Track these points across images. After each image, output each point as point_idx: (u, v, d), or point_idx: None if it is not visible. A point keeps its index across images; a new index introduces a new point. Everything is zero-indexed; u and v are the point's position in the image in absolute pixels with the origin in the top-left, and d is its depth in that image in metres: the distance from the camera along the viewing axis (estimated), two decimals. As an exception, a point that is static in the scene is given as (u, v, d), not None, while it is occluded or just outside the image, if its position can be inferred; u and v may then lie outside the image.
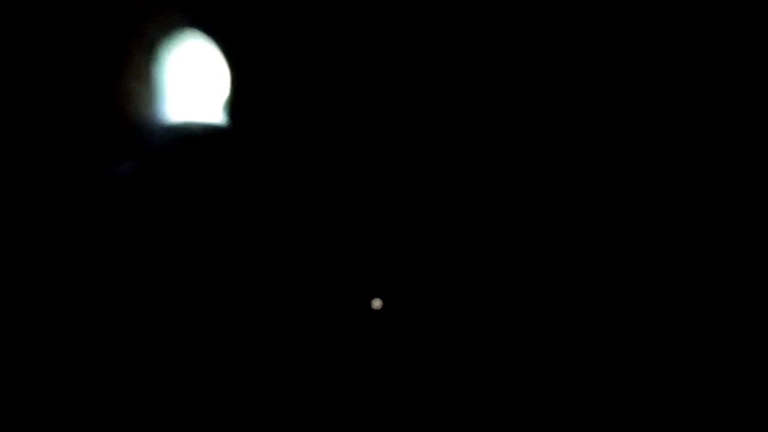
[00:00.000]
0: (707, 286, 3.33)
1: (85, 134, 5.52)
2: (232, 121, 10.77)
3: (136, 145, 7.29)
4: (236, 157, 8.02)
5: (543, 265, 4.28)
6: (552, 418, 3.82)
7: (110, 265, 4.26)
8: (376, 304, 4.77)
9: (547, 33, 3.79)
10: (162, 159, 7.11)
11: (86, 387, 3.26)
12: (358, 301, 4.75)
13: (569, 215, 3.96)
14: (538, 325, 4.33)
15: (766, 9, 2.92)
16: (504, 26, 4.18)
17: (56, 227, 4.50)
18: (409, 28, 5.48)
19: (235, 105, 11.30)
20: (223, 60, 11.40)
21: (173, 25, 8.17)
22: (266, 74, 9.10)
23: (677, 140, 3.35)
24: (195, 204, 6.03)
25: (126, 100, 6.80)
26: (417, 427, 3.62)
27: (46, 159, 4.74)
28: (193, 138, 8.65)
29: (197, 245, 4.84)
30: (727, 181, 3.23)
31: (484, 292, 4.83)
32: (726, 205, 3.20)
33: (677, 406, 3.44)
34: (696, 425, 3.31)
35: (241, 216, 6.01)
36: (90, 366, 3.38)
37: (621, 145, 3.62)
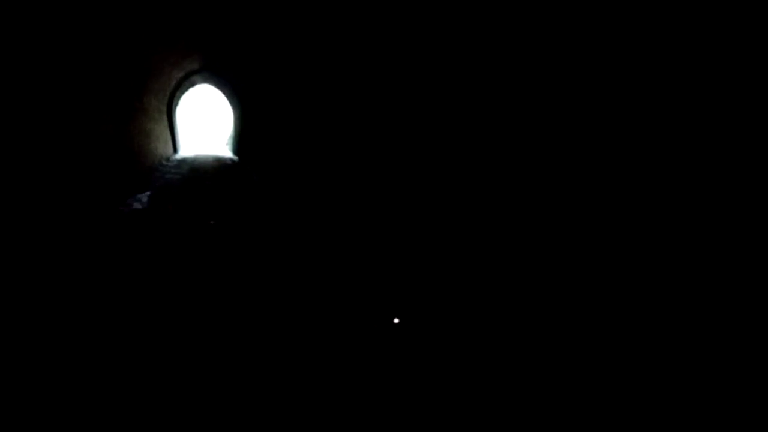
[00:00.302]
0: (707, 286, 3.09)
1: (105, 171, 6.13)
2: (237, 155, 11.51)
3: (151, 179, 7.91)
4: (243, 187, 8.58)
5: (542, 265, 4.13)
6: (552, 418, 3.64)
7: (127, 290, 4.66)
8: (395, 321, 4.77)
9: (547, 33, 3.62)
10: (175, 192, 7.67)
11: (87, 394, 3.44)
12: (360, 316, 4.86)
13: (569, 215, 3.79)
14: (537, 324, 4.17)
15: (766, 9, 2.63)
16: (498, 26, 4.04)
17: (78, 256, 4.99)
18: (399, 66, 5.73)
19: (240, 140, 12.06)
20: (228, 100, 12.29)
21: (187, 70, 9.01)
22: (268, 112, 9.86)
23: (677, 140, 3.13)
24: (204, 232, 6.54)
25: (142, 139, 7.50)
26: (416, 427, 3.50)
27: (68, 193, 5.29)
28: (202, 171, 9.28)
29: (208, 269, 5.24)
30: (727, 181, 2.93)
31: (484, 292, 4.72)
32: (726, 204, 2.95)
33: (677, 405, 3.19)
34: (696, 425, 3.04)
35: (248, 242, 6.47)
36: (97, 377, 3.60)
37: (621, 145, 3.43)
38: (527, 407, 3.79)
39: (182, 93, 10.49)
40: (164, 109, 9.24)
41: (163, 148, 9.67)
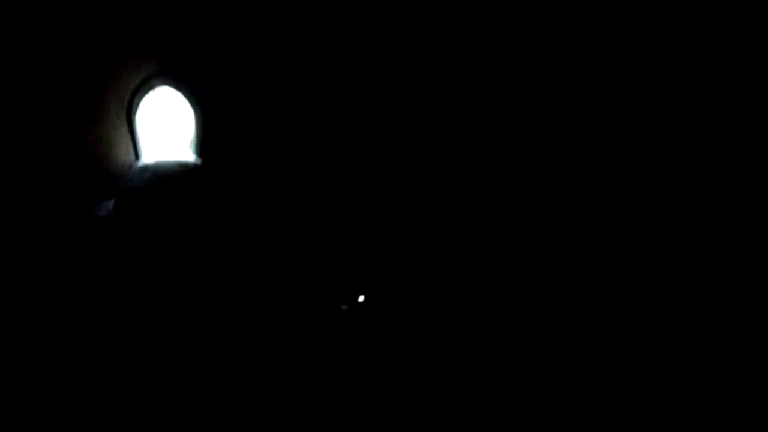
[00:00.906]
0: (706, 286, 3.05)
1: (67, 179, 6.05)
2: (199, 158, 11.45)
3: (114, 186, 7.80)
4: (206, 190, 8.56)
5: (541, 265, 4.05)
6: (551, 418, 3.61)
7: (94, 299, 4.67)
8: (360, 299, 4.71)
9: (546, 33, 3.53)
10: (138, 198, 7.60)
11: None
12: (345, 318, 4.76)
13: (568, 215, 3.73)
14: (536, 324, 4.08)
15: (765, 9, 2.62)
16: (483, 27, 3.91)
17: (42, 264, 4.96)
18: (369, 69, 5.88)
19: (202, 143, 11.97)
20: (189, 103, 12.16)
21: (144, 75, 8.89)
22: (229, 115, 9.87)
23: (676, 140, 3.09)
24: (171, 238, 6.55)
25: (104, 147, 7.39)
26: (416, 427, 3.50)
27: (31, 203, 5.23)
28: (165, 176, 9.19)
29: (176, 275, 5.29)
30: (727, 181, 2.91)
31: (482, 291, 4.60)
32: (725, 204, 2.93)
33: (677, 405, 3.17)
34: (696, 425, 3.02)
35: (215, 245, 6.52)
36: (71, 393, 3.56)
37: (620, 146, 3.39)
38: (525, 406, 3.70)
39: (141, 98, 10.30)
40: (124, 115, 9.08)
41: (124, 155, 9.50)
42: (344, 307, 4.71)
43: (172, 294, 4.79)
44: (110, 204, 6.88)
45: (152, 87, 11.52)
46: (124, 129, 9.68)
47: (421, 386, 3.84)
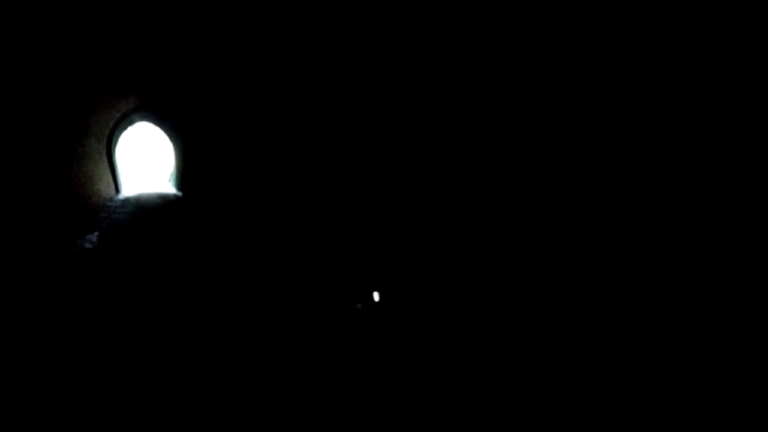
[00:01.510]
0: (706, 286, 3.06)
1: (54, 214, 6.21)
2: (181, 189, 11.65)
3: (98, 221, 7.94)
4: (187, 220, 8.75)
5: (541, 265, 4.12)
6: (551, 418, 3.62)
7: (83, 329, 4.80)
8: (375, 297, 4.76)
9: (546, 33, 3.53)
10: (123, 231, 7.75)
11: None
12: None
13: (567, 215, 3.75)
14: (536, 323, 4.18)
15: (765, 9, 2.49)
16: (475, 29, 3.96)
17: (29, 298, 5.08)
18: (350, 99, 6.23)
19: (183, 174, 12.21)
20: (168, 136, 12.46)
21: (124, 111, 9.17)
22: (207, 147, 10.16)
23: (676, 140, 3.07)
24: (157, 268, 6.70)
25: (86, 182, 7.57)
26: (416, 427, 3.49)
27: (22, 237, 5.38)
28: (147, 208, 9.36)
29: (161, 305, 5.45)
30: (727, 181, 2.89)
31: (483, 291, 4.65)
32: (725, 204, 2.92)
33: (677, 405, 3.19)
34: (696, 425, 3.01)
35: (200, 273, 6.69)
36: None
37: (619, 146, 3.36)
38: (525, 406, 3.73)
39: (120, 133, 10.52)
40: (104, 150, 9.29)
41: (105, 189, 9.65)
42: (359, 305, 4.81)
43: (160, 322, 4.96)
44: (94, 237, 7.02)
45: (132, 122, 11.77)
46: (105, 164, 9.86)
47: (427, 386, 3.95)
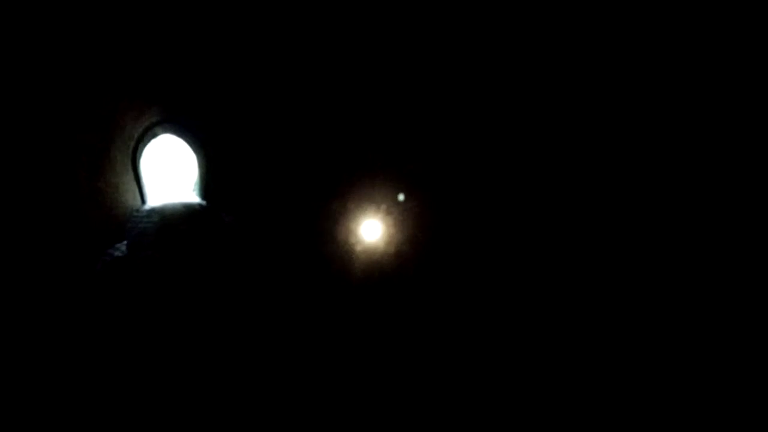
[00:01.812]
0: (706, 286, 2.92)
1: (85, 224, 6.37)
2: (205, 199, 11.76)
3: (125, 230, 8.12)
4: (211, 229, 8.85)
5: (541, 265, 4.03)
6: (551, 418, 3.55)
7: (109, 340, 4.87)
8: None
9: (546, 33, 3.48)
10: (151, 240, 7.91)
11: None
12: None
13: (568, 215, 3.66)
14: (536, 324, 4.08)
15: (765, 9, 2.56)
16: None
17: (74, 301, 5.20)
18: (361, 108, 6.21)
19: (206, 184, 12.32)
20: (191, 147, 12.61)
21: (147, 124, 9.36)
22: (229, 157, 10.25)
23: (676, 140, 2.98)
24: (183, 276, 6.80)
25: (112, 193, 7.75)
26: (416, 427, 3.48)
27: (56, 247, 5.52)
28: (173, 218, 9.51)
29: (187, 310, 5.50)
30: (727, 181, 2.79)
31: (483, 291, 4.66)
32: (725, 204, 2.81)
33: (677, 405, 3.05)
34: (695, 425, 2.91)
35: (220, 281, 6.75)
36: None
37: (619, 146, 3.29)
38: (525, 406, 3.69)
39: (145, 145, 10.78)
40: (129, 162, 9.51)
41: (131, 199, 9.88)
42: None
43: (186, 326, 4.98)
44: (123, 246, 7.18)
45: (155, 135, 12.07)
46: (131, 175, 10.10)
47: (423, 385, 3.92)
